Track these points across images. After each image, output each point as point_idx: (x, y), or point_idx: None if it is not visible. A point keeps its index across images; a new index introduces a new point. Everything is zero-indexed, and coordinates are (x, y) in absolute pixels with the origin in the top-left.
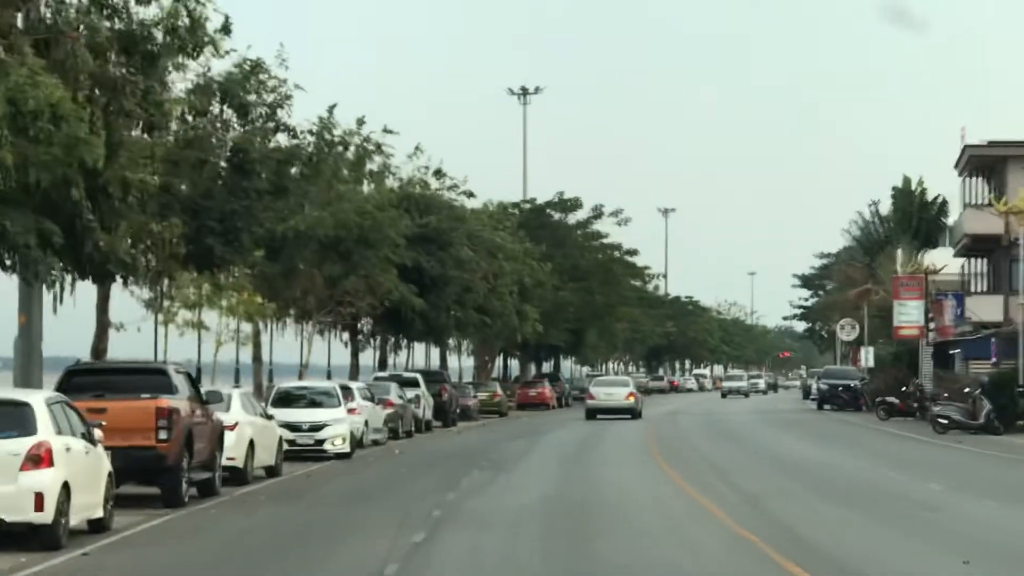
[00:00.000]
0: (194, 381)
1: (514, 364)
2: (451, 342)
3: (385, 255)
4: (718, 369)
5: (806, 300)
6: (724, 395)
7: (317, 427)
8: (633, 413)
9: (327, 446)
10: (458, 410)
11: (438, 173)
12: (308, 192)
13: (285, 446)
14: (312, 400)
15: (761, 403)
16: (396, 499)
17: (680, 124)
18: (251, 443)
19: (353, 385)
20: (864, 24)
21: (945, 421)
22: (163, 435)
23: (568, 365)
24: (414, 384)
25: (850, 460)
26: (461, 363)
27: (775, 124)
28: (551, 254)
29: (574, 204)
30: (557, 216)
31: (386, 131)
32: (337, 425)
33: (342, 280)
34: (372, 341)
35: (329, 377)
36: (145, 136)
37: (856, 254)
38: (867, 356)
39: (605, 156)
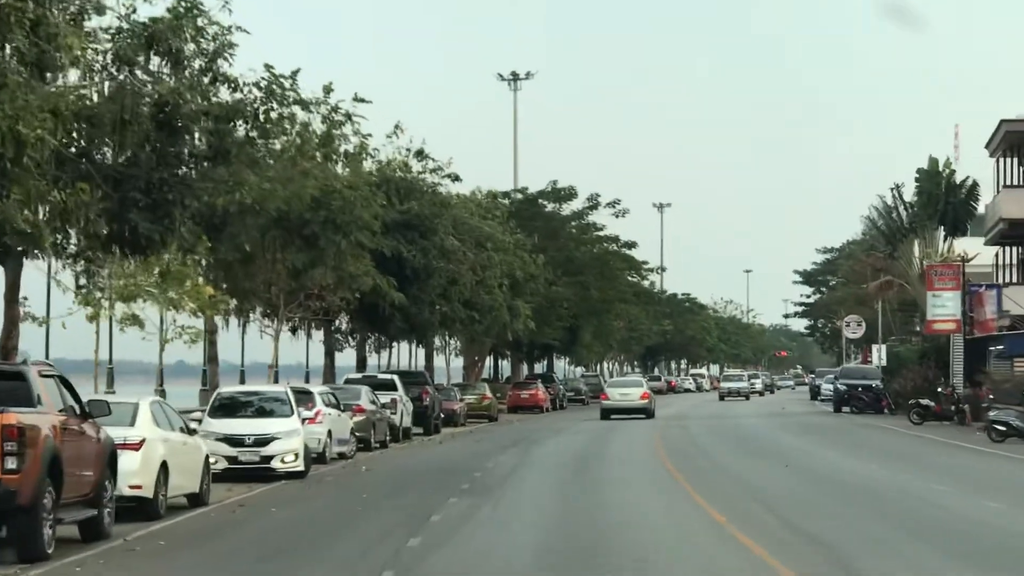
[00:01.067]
0: (71, 388)
1: (506, 365)
2: (437, 341)
3: (356, 240)
4: (714, 369)
5: (808, 297)
6: (722, 397)
7: (263, 441)
8: (647, 413)
9: (276, 464)
10: (441, 415)
11: (420, 154)
12: (257, 159)
13: (224, 465)
14: (260, 408)
15: (766, 405)
16: (338, 547)
17: (675, 118)
18: (163, 466)
19: (315, 389)
20: (865, 16)
21: (1003, 428)
22: (10, 463)
23: (562, 365)
24: (390, 387)
25: (915, 480)
26: (449, 364)
27: (772, 118)
28: (544, 246)
29: (568, 194)
30: (550, 207)
31: (357, 99)
32: (288, 438)
33: (309, 270)
34: (350, 340)
35: (307, 380)
36: (48, 87)
37: (876, 243)
38: (880, 354)
39: (598, 150)
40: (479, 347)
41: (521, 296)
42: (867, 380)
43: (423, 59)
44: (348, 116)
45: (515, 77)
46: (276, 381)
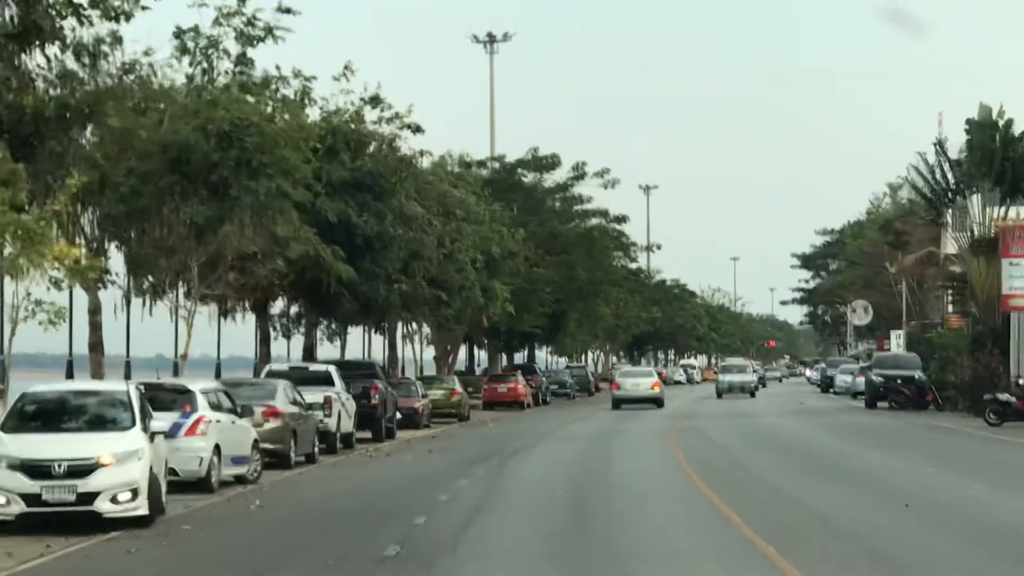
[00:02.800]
0: None
1: (483, 356)
2: (401, 327)
3: (280, 189)
4: (700, 359)
5: (806, 282)
6: (720, 394)
7: (81, 470)
8: (658, 402)
9: (101, 506)
10: (397, 415)
11: (375, 100)
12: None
13: (20, 508)
14: (88, 417)
15: (777, 399)
16: None
17: (663, 95)
18: None
19: (197, 386)
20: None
21: None
22: None
23: (544, 356)
24: (324, 381)
25: None
26: (418, 354)
27: (765, 98)
28: (524, 221)
29: (551, 162)
30: (530, 177)
31: (282, 10)
32: (121, 466)
33: (217, 228)
34: (294, 325)
35: (218, 375)
36: None
37: (915, 208)
38: (898, 341)
39: (580, 130)
40: (451, 335)
41: (498, 276)
42: (907, 370)
43: (392, 19)
44: (269, 31)
45: (491, 39)
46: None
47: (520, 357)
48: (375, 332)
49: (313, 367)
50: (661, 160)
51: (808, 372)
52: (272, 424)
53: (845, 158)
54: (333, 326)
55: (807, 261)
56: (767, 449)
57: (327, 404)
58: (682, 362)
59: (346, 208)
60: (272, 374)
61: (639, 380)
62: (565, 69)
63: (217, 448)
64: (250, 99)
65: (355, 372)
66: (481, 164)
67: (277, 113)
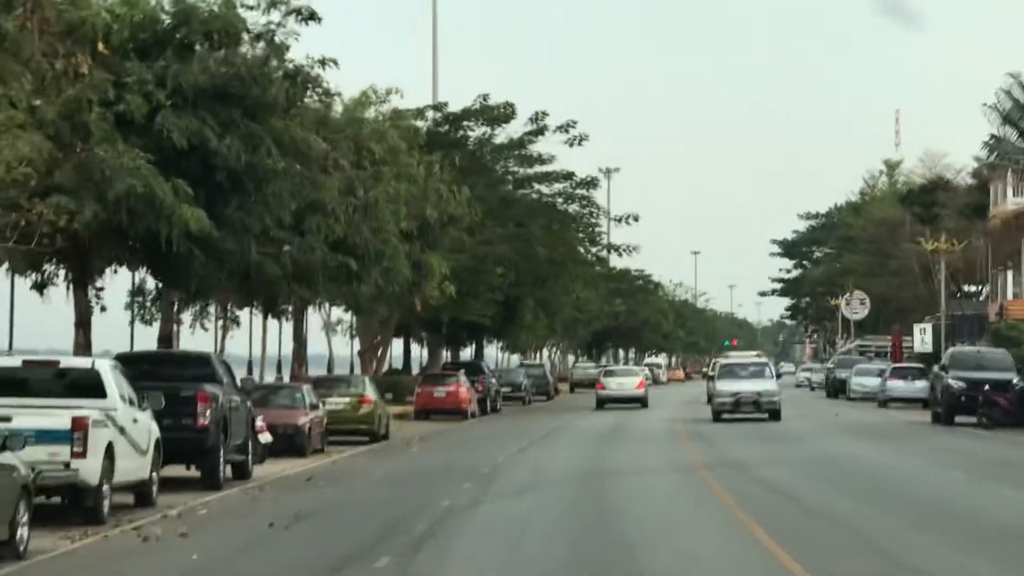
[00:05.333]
0: None
1: (425, 353)
2: (322, 311)
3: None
4: (662, 358)
5: (787, 272)
6: (719, 414)
7: None
8: (642, 402)
9: None
10: (263, 440)
11: None
12: None
13: None
14: None
15: (795, 408)
16: None
17: (626, 71)
18: None
19: None
20: None
21: None
22: None
23: (494, 353)
24: (83, 388)
25: None
26: (342, 348)
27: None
28: (471, 184)
29: (504, 114)
30: (480, 132)
31: None
32: None
33: None
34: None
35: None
36: None
37: (1004, 152)
38: (923, 336)
39: (534, 101)
40: (378, 324)
41: (436, 249)
42: (997, 373)
43: None
44: None
45: None
46: None
47: (468, 354)
48: (270, 316)
49: (68, 362)
50: (623, 143)
51: (801, 373)
52: None
53: (809, 149)
54: (221, 309)
55: (789, 248)
56: (870, 500)
57: (77, 433)
58: (646, 361)
59: (202, 127)
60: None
61: (624, 379)
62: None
63: None
64: None
65: (169, 371)
66: (418, 114)
67: None
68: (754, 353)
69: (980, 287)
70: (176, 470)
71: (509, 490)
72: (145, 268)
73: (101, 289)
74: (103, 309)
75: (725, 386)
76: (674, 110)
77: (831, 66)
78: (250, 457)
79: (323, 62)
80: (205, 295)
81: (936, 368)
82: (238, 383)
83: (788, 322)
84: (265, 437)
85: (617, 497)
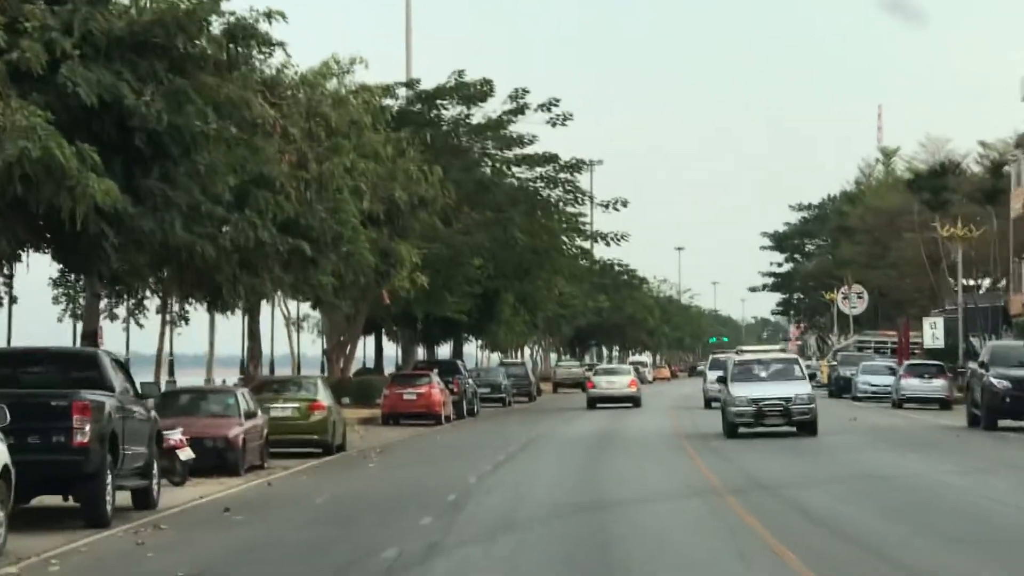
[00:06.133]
0: None
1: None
2: (285, 307)
3: None
4: (646, 356)
5: (779, 265)
6: (735, 428)
7: None
8: (635, 402)
9: None
10: (149, 465)
11: None
12: None
13: None
14: None
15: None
16: None
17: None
18: None
19: None
20: None
21: None
22: None
23: (474, 351)
24: None
25: None
26: (302, 346)
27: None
28: (444, 165)
29: (482, 91)
30: (455, 111)
31: None
32: None
33: None
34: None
35: None
36: None
37: None
38: (934, 331)
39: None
40: (345, 320)
41: (406, 237)
42: None
43: None
44: None
45: None
46: None
47: (446, 352)
48: (216, 310)
49: None
50: (605, 135)
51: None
52: None
53: (794, 143)
54: (161, 302)
55: (780, 241)
56: (964, 542)
57: None
58: (631, 359)
59: (116, 82)
60: None
61: (615, 378)
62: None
63: None
64: None
65: (40, 374)
66: (388, 91)
67: None
68: (777, 347)
69: (982, 278)
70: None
71: (478, 529)
72: (47, 249)
73: (10, 277)
74: (13, 300)
75: (742, 391)
76: (659, 102)
77: (820, 57)
78: (155, 482)
79: (269, 15)
80: (124, 283)
81: (974, 365)
82: (139, 389)
83: (773, 319)
84: (186, 454)
85: (625, 541)
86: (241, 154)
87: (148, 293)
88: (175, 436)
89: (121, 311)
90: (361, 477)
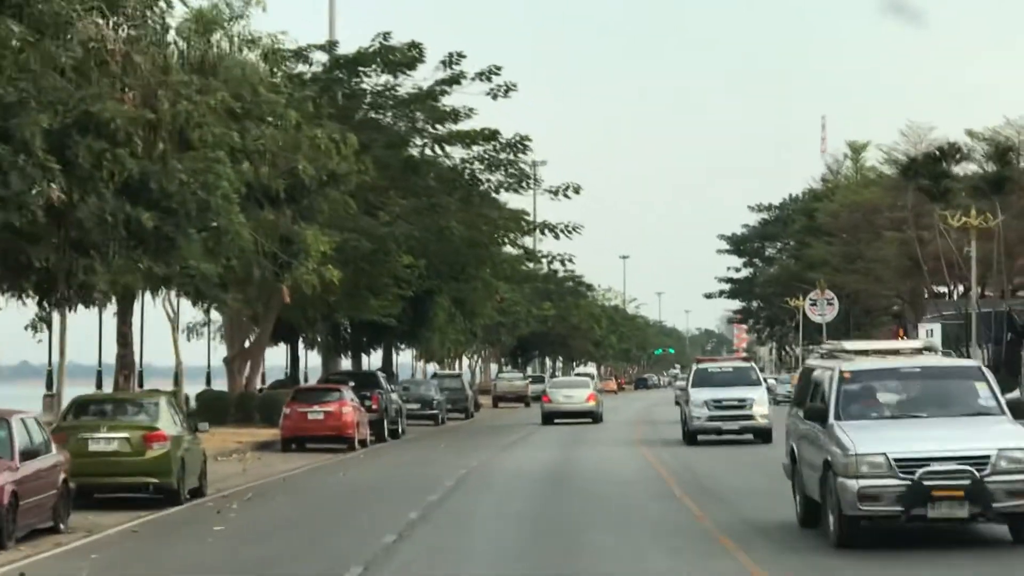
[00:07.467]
0: None
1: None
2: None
3: None
4: (591, 367)
5: (737, 270)
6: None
7: None
8: (594, 417)
9: None
10: None
11: None
12: None
13: None
14: None
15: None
16: None
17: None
18: None
19: None
20: None
21: None
22: None
23: (408, 361)
24: None
25: None
26: (203, 356)
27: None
28: (367, 143)
29: (410, 57)
30: (381, 80)
31: None
32: None
33: None
34: None
35: None
36: None
37: None
38: (932, 335)
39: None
40: (249, 322)
41: (313, 219)
42: None
43: None
44: None
45: None
46: None
47: (372, 362)
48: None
49: None
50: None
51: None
52: None
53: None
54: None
55: (738, 244)
56: None
57: None
58: (577, 371)
59: None
60: None
61: (572, 392)
62: None
63: None
64: None
65: None
66: (300, 56)
67: None
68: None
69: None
70: None
71: None
72: None
73: None
74: None
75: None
76: (605, 103)
77: (768, 59)
78: None
79: None
80: None
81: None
82: None
83: (717, 331)
84: None
85: None
86: (51, 81)
87: None
88: None
89: None
90: (191, 554)
